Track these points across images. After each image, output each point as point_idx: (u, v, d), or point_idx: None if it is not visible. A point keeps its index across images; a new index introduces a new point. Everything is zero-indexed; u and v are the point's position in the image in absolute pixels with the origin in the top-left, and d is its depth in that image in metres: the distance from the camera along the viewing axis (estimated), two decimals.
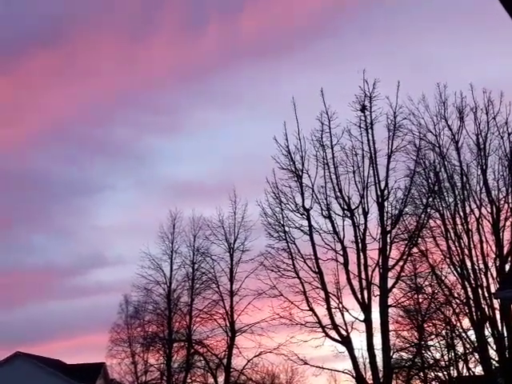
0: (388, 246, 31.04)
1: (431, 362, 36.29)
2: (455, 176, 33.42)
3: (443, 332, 35.64)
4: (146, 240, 52.35)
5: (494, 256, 32.36)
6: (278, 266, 32.65)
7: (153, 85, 68.83)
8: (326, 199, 31.53)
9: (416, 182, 32.71)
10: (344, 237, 31.18)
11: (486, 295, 31.82)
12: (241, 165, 66.04)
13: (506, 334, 31.45)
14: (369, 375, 32.31)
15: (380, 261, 30.78)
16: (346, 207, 31.32)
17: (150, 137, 72.70)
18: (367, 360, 31.70)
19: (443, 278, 33.47)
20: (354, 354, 30.72)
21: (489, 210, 32.83)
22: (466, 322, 33.42)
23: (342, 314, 30.96)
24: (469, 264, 32.31)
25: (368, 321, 30.33)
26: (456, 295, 33.43)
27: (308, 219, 31.86)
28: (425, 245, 33.33)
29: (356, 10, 59.48)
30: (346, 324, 30.78)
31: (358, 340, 31.23)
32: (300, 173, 32.06)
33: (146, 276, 44.62)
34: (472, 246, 32.34)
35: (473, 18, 50.63)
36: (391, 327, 32.99)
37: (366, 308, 30.46)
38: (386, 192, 31.24)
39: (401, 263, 31.50)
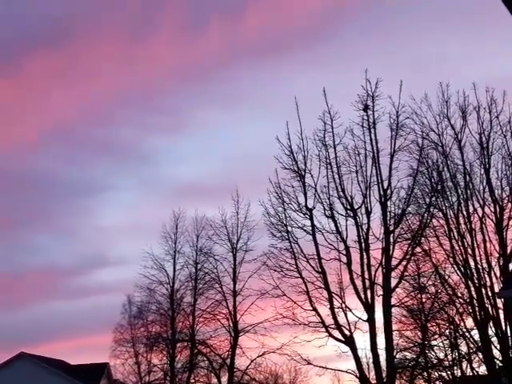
0: (391, 246, 30.98)
1: (435, 361, 36.17)
2: (458, 175, 33.43)
3: (447, 332, 35.55)
4: (149, 240, 51.99)
5: (497, 255, 32.34)
6: (280, 265, 32.59)
7: (153, 85, 68.89)
8: (328, 199, 31.48)
9: (419, 182, 32.62)
10: (347, 236, 31.12)
11: (490, 295, 31.80)
12: (242, 165, 66.07)
13: (509, 334, 31.42)
14: (372, 375, 32.21)
15: (383, 260, 30.72)
16: (348, 207, 31.23)
17: (152, 137, 72.79)
18: (370, 360, 31.66)
19: (446, 277, 33.43)
20: (358, 354, 30.64)
21: (492, 209, 32.81)
22: (469, 322, 33.46)
23: (345, 314, 30.91)
24: (472, 263, 32.29)
25: (371, 320, 30.26)
26: (459, 295, 33.37)
27: (311, 219, 31.80)
28: (428, 244, 33.30)
29: (356, 10, 59.55)
30: (349, 324, 30.74)
31: (362, 340, 31.22)
32: (303, 172, 32.00)
33: (149, 276, 44.56)
34: (475, 245, 32.32)
35: (473, 17, 50.69)
36: (394, 327, 32.88)
37: (369, 308, 30.39)
38: (388, 191, 31.17)
39: (404, 263, 31.46)
